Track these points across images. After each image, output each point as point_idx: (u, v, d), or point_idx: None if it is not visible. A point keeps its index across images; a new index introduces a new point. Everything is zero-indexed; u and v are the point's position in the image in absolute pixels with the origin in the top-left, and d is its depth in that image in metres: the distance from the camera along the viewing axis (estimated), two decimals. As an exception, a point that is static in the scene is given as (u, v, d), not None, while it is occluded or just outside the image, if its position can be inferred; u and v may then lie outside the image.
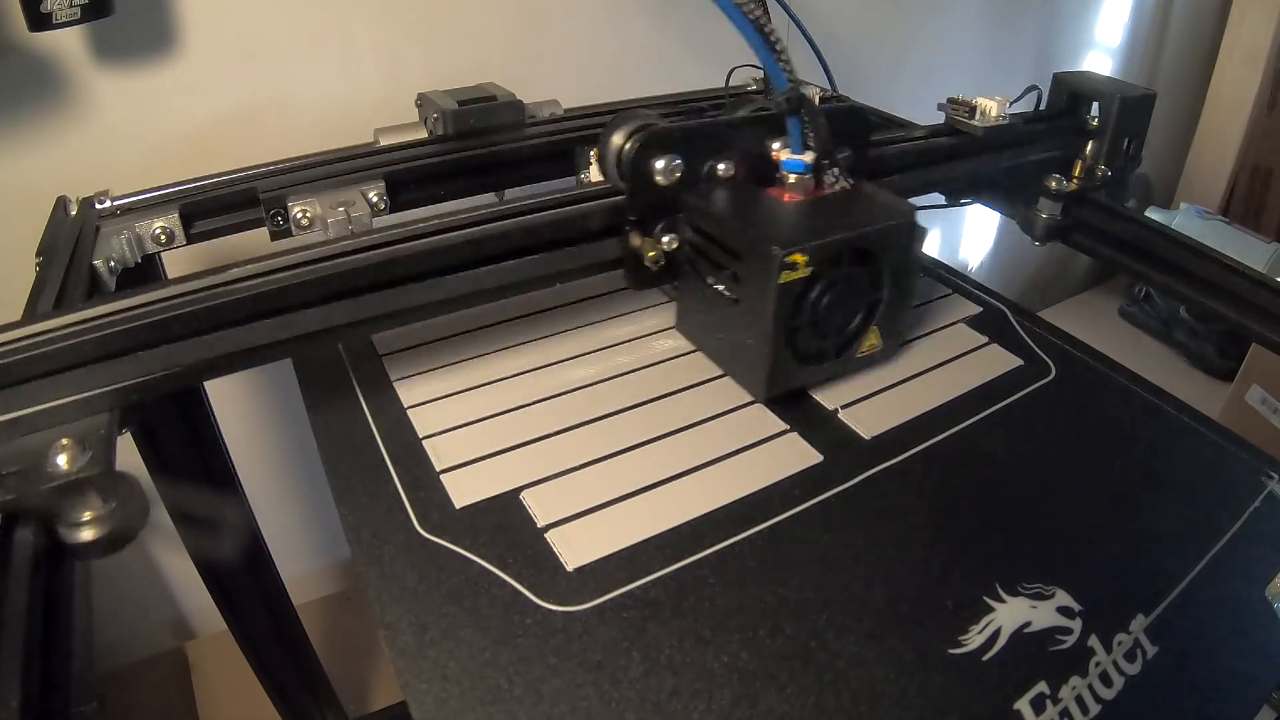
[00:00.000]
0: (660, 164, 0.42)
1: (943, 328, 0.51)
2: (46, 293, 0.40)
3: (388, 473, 0.39)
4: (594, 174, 0.55)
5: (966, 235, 1.43)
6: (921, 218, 0.43)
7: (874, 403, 0.44)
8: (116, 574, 0.87)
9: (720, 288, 0.43)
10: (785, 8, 0.62)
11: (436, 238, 0.40)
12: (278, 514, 0.91)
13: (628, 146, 0.42)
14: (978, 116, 0.55)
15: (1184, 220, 1.35)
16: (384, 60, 0.76)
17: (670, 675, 0.30)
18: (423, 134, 0.58)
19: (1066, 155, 0.60)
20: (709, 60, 0.67)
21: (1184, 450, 0.43)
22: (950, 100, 0.57)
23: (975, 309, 0.53)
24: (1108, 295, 1.67)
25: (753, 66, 0.65)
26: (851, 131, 0.46)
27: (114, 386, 0.34)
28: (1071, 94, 0.60)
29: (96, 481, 0.31)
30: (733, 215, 0.42)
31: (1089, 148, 0.60)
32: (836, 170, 0.44)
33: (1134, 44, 1.47)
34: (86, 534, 0.31)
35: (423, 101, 0.59)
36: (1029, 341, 0.50)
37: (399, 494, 0.37)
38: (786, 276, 0.38)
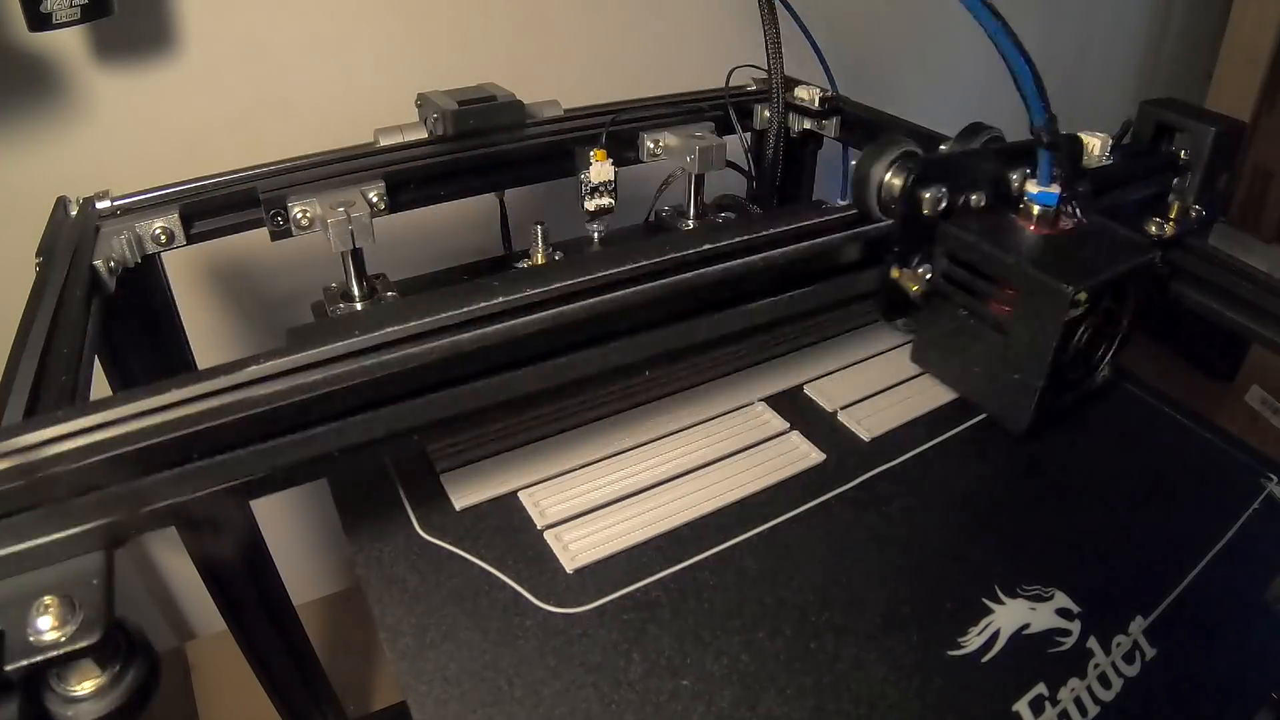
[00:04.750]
0: (929, 194, 0.40)
1: (943, 329, 0.51)
2: (47, 293, 0.40)
3: (388, 473, 0.39)
4: (594, 174, 0.55)
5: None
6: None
7: (874, 404, 0.44)
8: (117, 574, 0.87)
9: (981, 322, 0.41)
10: (788, 7, 0.62)
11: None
12: (278, 514, 0.91)
13: (892, 177, 0.41)
14: (1084, 158, 0.48)
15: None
16: (384, 60, 0.76)
17: (670, 677, 0.30)
18: (423, 134, 0.58)
19: (1158, 194, 0.53)
20: (709, 61, 0.67)
21: (1183, 451, 0.43)
22: None
23: (975, 310, 0.53)
24: (1108, 295, 1.66)
25: (752, 67, 0.65)
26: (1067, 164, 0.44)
27: (103, 521, 0.26)
28: (1158, 124, 0.54)
29: (93, 651, 0.24)
30: (1002, 249, 0.40)
31: (1176, 184, 0.53)
32: (1075, 204, 0.43)
33: (1134, 44, 1.47)
34: (87, 712, 0.24)
35: (423, 101, 0.59)
36: (1029, 342, 0.50)
37: (399, 495, 0.37)
38: (1070, 314, 0.37)
